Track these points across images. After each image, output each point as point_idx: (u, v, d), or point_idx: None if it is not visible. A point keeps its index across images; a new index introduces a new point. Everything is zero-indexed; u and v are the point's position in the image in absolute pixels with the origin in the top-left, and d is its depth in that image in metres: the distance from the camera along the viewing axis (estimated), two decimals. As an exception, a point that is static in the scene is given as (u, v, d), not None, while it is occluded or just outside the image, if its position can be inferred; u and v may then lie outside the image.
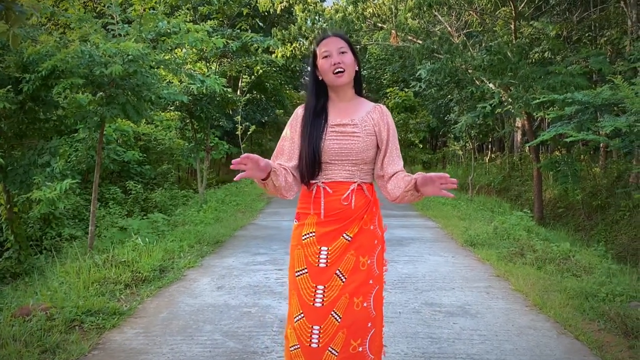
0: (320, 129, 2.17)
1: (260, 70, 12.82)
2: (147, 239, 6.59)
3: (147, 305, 4.23)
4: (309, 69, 2.34)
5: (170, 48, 7.43)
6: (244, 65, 12.80)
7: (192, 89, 8.44)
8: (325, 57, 2.15)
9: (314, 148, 2.14)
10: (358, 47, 19.48)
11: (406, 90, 25.29)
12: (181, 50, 7.93)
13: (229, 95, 11.31)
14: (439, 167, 25.51)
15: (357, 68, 2.22)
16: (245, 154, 1.88)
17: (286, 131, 2.28)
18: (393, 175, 2.19)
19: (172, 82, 9.71)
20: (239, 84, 17.82)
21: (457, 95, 13.64)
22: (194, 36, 7.24)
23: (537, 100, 8.10)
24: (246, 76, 16.33)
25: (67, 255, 6.32)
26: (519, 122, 15.03)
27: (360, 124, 2.17)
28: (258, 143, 25.00)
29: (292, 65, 15.86)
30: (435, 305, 4.20)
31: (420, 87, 12.58)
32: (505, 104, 11.37)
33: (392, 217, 9.65)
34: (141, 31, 6.80)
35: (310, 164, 2.15)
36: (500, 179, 16.74)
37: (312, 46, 2.27)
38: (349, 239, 2.11)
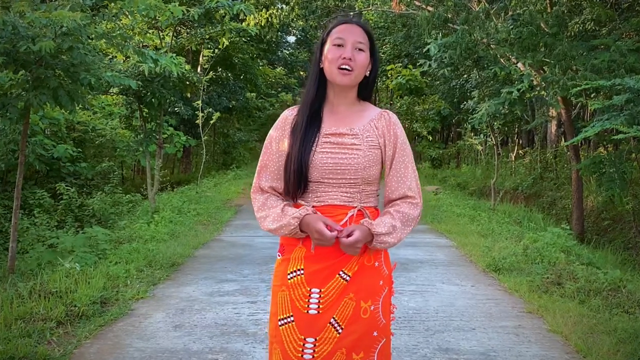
0: (311, 137, 2.16)
1: (227, 43, 12.76)
2: (84, 261, 6.55)
3: (85, 349, 4.20)
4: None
5: (114, 15, 7.38)
6: (207, 36, 12.76)
7: (143, 68, 8.37)
8: (337, 45, 2.14)
9: (301, 162, 2.13)
10: (352, 12, 19.53)
11: (411, 67, 25.42)
12: (127, 17, 7.85)
13: (189, 76, 11.28)
14: (452, 166, 25.68)
15: (368, 73, 2.22)
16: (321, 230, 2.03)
17: (270, 140, 2.26)
18: (393, 201, 2.20)
19: (115, 58, 9.66)
20: (200, 60, 17.77)
21: (476, 76, 13.72)
22: (145, 2, 7.21)
23: (578, 88, 8.16)
24: (209, 50, 16.30)
25: (-20, 281, 6.24)
26: (553, 110, 15.15)
27: (362, 134, 2.17)
28: (223, 133, 24.97)
29: (268, 37, 15.84)
30: (451, 352, 4.22)
31: (429, 66, 12.58)
32: (538, 88, 11.45)
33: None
34: (78, -5, 6.73)
35: (296, 182, 2.15)
36: (529, 181, 16.88)
37: (324, 32, 2.25)
38: (347, 278, 2.11)
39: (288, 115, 2.26)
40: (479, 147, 20.57)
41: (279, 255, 2.25)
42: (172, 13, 7.59)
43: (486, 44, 11.69)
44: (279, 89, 36.82)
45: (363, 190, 2.17)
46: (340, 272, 2.11)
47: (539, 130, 19.68)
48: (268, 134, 2.29)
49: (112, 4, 7.27)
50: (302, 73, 56.09)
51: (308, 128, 2.17)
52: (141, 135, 10.84)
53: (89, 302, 5.05)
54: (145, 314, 5.08)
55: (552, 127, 18.39)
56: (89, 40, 6.74)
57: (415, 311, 5.22)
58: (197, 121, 15.80)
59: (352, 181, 2.14)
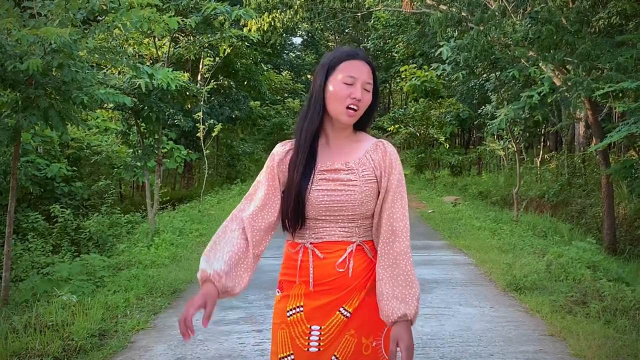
0: (306, 175, 2.25)
1: (228, 50, 12.95)
2: (81, 290, 6.69)
3: (83, 387, 4.32)
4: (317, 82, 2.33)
5: (106, 29, 7.52)
6: (206, 44, 12.95)
7: (139, 83, 8.53)
8: (348, 83, 2.22)
9: (298, 200, 2.22)
10: (359, 13, 19.70)
11: (426, 68, 25.50)
12: (120, 30, 8.01)
13: (189, 87, 11.45)
14: (472, 173, 25.71)
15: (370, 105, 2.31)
16: (180, 325, 2.06)
17: (261, 173, 2.37)
18: (381, 235, 2.26)
19: (110, 72, 9.83)
20: (200, 68, 17.97)
21: (493, 79, 13.81)
22: (137, 14, 7.34)
23: (601, 91, 8.25)
24: (209, 58, 16.51)
25: (-28, 314, 6.39)
26: (580, 112, 15.19)
27: (357, 169, 2.25)
28: (227, 144, 25.12)
29: (271, 41, 16.03)
30: (467, 380, 4.31)
31: (443, 70, 12.70)
32: (560, 91, 11.52)
33: (410, 248, 9.77)
34: (67, 9, 6.86)
35: (294, 220, 2.24)
36: (556, 189, 16.89)
37: (326, 58, 2.33)
38: (348, 315, 2.21)
39: (280, 152, 2.33)
40: (501, 153, 20.60)
41: (278, 292, 2.35)
42: (167, 24, 7.72)
43: (503, 45, 11.78)
44: (285, 95, 37.00)
45: (361, 225, 2.26)
46: (341, 309, 2.21)
47: (565, 133, 19.67)
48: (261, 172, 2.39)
49: (105, 17, 7.40)
50: (309, 77, 56.31)
51: (303, 165, 2.25)
52: (139, 151, 10.97)
53: (86, 335, 5.17)
54: (146, 346, 5.21)
55: (580, 128, 18.34)
56: (81, 56, 6.86)
57: (430, 337, 5.31)
58: (198, 134, 15.95)
59: (349, 217, 2.23)
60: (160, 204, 11.65)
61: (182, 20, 9.11)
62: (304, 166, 2.25)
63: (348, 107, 2.20)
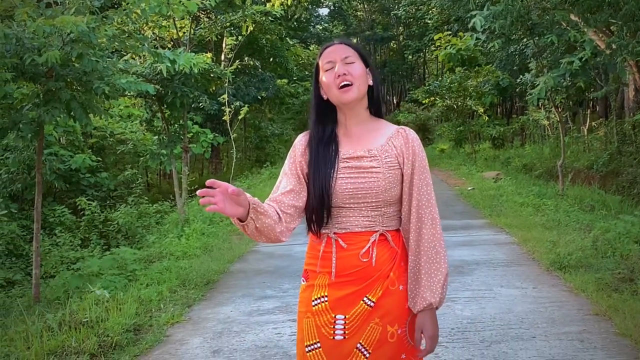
0: (329, 164, 2.40)
1: (251, 27, 13.07)
2: (113, 285, 6.96)
3: (121, 383, 4.56)
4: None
5: (125, 15, 7.67)
6: (228, 24, 13.09)
7: (161, 68, 8.73)
8: (328, 69, 2.38)
9: (322, 190, 2.37)
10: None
11: (462, 35, 25.33)
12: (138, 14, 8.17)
13: (213, 70, 11.62)
14: (516, 144, 25.56)
15: (371, 82, 2.45)
16: (209, 183, 2.07)
17: (284, 165, 2.53)
18: (412, 224, 2.41)
19: (129, 60, 10.03)
20: (222, 48, 18.13)
21: (532, 46, 13.73)
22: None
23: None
24: (232, 38, 16.65)
25: (6, 312, 6.69)
26: (626, 78, 15.04)
27: (380, 156, 2.38)
28: (255, 126, 25.27)
29: (295, 16, 16.11)
30: (508, 364, 4.46)
31: (477, 39, 12.68)
32: (603, 55, 11.45)
33: (448, 229, 9.87)
34: (84, -3, 7.01)
35: (319, 210, 2.39)
36: (605, 158, 16.73)
37: (316, 59, 2.51)
38: (372, 304, 2.35)
39: (303, 142, 2.50)
40: (545, 122, 20.45)
41: (303, 281, 2.51)
42: (185, 7, 7.89)
43: (541, 9, 11.72)
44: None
45: (384, 213, 2.40)
46: (365, 298, 2.36)
47: (614, 98, 19.42)
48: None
49: (124, 3, 7.56)
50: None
51: (325, 154, 2.41)
52: (165, 138, 11.18)
53: (121, 330, 5.41)
54: (182, 339, 5.44)
55: (630, 92, 18.10)
56: (100, 44, 6.99)
57: (470, 321, 5.45)
58: (224, 117, 16.14)
59: (373, 204, 2.37)
60: (189, 192, 11.88)
61: (202, 2, 9.27)
62: (326, 155, 2.40)
63: (339, 87, 2.35)
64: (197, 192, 2.06)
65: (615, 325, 5.09)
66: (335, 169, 2.38)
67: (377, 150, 2.40)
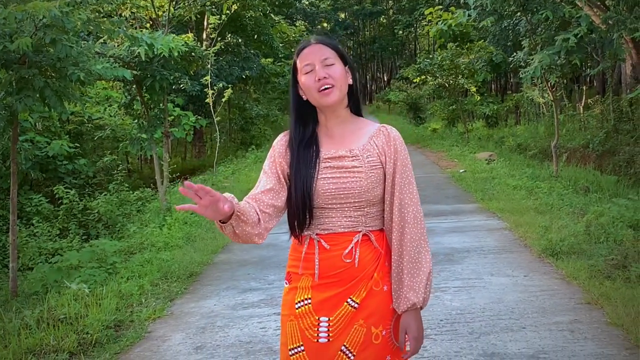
0: (311, 164, 2.46)
1: (235, 7, 13.05)
2: (93, 279, 7.00)
3: (101, 382, 4.62)
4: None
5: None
6: (208, 2, 13.05)
7: (138, 51, 8.72)
8: (307, 72, 2.43)
9: (304, 191, 2.43)
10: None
11: (454, 10, 25.28)
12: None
13: (194, 50, 11.61)
14: (510, 123, 25.64)
15: (350, 81, 2.50)
16: (201, 186, 2.08)
17: (264, 164, 2.58)
18: (394, 224, 2.47)
19: (106, 42, 10.00)
20: (204, 28, 18.06)
21: (525, 24, 13.76)
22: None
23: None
24: (214, 17, 16.60)
25: (-18, 308, 6.72)
26: (622, 55, 15.10)
27: (362, 155, 2.44)
28: (239, 107, 25.18)
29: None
30: (497, 357, 4.54)
31: (469, 16, 12.72)
32: (599, 31, 11.50)
33: (438, 215, 9.97)
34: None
35: (300, 212, 2.45)
36: (601, 136, 16.81)
37: (294, 59, 2.56)
38: (356, 305, 2.42)
39: (283, 142, 2.56)
40: (540, 100, 20.49)
41: (286, 283, 2.57)
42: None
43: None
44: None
45: (367, 213, 2.46)
46: (348, 300, 2.42)
47: (610, 73, 19.48)
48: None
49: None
50: (325, 25, 56.16)
51: (305, 155, 2.47)
52: (145, 124, 11.17)
53: (101, 327, 5.46)
54: (164, 335, 5.49)
55: (627, 67, 18.12)
56: (76, 28, 6.96)
57: (459, 311, 5.54)
58: (207, 100, 16.12)
59: (355, 205, 2.43)
60: (171, 180, 11.89)
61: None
62: (307, 156, 2.46)
63: (319, 90, 2.40)
64: (184, 185, 2.06)
65: (607, 314, 5.18)
66: (317, 170, 2.44)
67: (359, 149, 2.46)
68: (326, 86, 2.39)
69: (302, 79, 2.45)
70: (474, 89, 23.82)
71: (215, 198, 2.08)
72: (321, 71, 2.40)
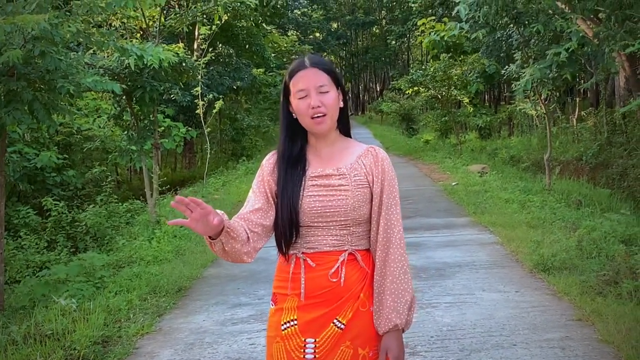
0: (298, 182, 2.50)
1: (225, 17, 13.09)
2: (81, 293, 6.99)
3: (88, 399, 4.62)
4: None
5: (89, 9, 7.66)
6: (199, 13, 13.10)
7: (128, 62, 8.74)
8: (302, 97, 2.46)
9: (290, 208, 2.47)
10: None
11: (447, 20, 25.40)
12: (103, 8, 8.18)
13: (185, 61, 11.63)
14: (503, 134, 25.74)
15: (342, 104, 2.54)
16: (192, 199, 2.15)
17: (253, 183, 2.62)
18: (378, 245, 2.50)
19: (96, 53, 10.04)
20: (195, 38, 18.11)
21: (517, 36, 13.85)
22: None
23: (632, 48, 8.36)
24: (205, 27, 16.65)
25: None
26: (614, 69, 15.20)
27: (349, 174, 2.48)
28: (230, 117, 25.18)
29: (272, 2, 16.15)
30: (487, 374, 4.57)
31: (461, 29, 12.81)
32: (590, 45, 11.58)
33: (430, 229, 10.01)
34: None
35: (287, 229, 2.48)
36: (595, 149, 16.90)
37: (285, 77, 2.59)
38: (342, 326, 2.45)
39: (271, 162, 2.59)
40: (533, 112, 20.58)
41: (272, 305, 2.59)
42: (153, 2, 7.91)
43: (526, -3, 11.83)
44: (293, 58, 37.03)
45: (353, 232, 2.49)
46: (335, 321, 2.45)
47: (604, 86, 19.59)
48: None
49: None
50: (317, 35, 56.31)
51: (293, 172, 2.51)
52: (134, 136, 11.17)
53: (89, 343, 5.46)
54: (152, 352, 5.50)
55: (620, 80, 18.22)
56: (65, 40, 6.97)
57: (449, 328, 5.56)
58: (197, 111, 16.13)
59: (342, 223, 2.46)
60: (160, 192, 11.89)
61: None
62: (294, 174, 2.50)
63: (312, 118, 2.44)
64: (175, 200, 2.12)
65: (598, 331, 5.22)
66: (303, 187, 2.47)
67: (346, 168, 2.49)
68: (319, 115, 2.43)
69: (295, 102, 2.48)
70: (466, 100, 23.90)
71: (206, 211, 2.14)
72: (316, 99, 2.43)
